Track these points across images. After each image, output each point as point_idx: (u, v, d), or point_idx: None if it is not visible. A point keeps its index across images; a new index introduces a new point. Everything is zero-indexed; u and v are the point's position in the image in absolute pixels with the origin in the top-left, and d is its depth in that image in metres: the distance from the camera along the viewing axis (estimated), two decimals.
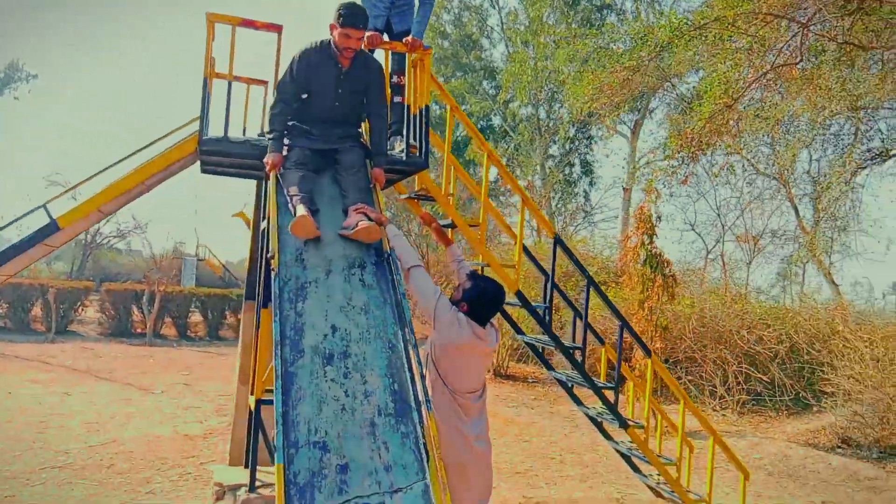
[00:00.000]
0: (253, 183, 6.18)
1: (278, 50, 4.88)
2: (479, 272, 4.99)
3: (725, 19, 8.38)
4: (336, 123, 4.30)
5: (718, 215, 19.04)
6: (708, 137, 9.13)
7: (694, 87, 22.09)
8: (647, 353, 5.82)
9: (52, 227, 4.67)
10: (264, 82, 6.20)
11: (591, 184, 30.26)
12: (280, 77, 4.33)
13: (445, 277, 17.91)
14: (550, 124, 29.41)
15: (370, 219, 3.85)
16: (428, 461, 3.05)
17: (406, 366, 3.42)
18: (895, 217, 40.38)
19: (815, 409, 10.85)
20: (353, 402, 3.22)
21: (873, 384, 9.40)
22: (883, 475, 8.13)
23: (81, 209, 4.77)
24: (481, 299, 3.63)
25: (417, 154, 5.07)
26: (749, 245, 17.93)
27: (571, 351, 5.63)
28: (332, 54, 4.13)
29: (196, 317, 20.47)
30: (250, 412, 5.72)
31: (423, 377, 3.36)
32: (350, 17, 3.97)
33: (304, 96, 4.23)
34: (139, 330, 19.15)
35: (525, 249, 5.85)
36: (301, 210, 3.77)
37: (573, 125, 28.04)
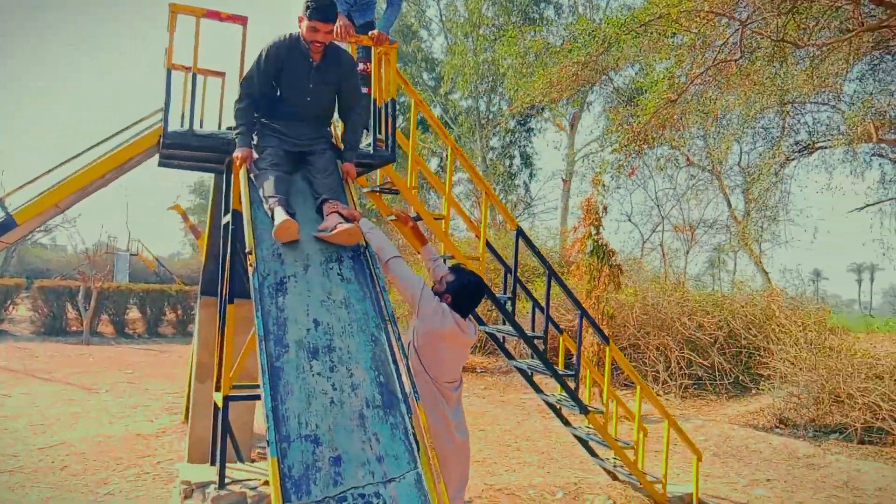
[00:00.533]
0: (184, 174, 6.07)
1: (243, 42, 4.83)
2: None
3: (669, 16, 8.64)
4: (307, 122, 4.23)
5: (657, 206, 19.59)
6: (653, 131, 9.42)
7: (631, 80, 22.72)
8: (605, 340, 5.99)
9: (9, 223, 4.53)
10: (222, 74, 6.11)
11: (531, 175, 30.66)
12: (247, 70, 4.25)
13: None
14: (490, 116, 29.68)
15: (346, 220, 3.85)
16: (419, 450, 3.11)
17: (390, 358, 3.46)
18: (819, 207, 42.24)
19: (753, 391, 11.33)
20: (340, 395, 3.25)
21: (808, 366, 9.88)
22: (819, 453, 8.57)
23: (39, 204, 4.64)
24: (464, 291, 3.69)
25: (384, 147, 5.10)
26: (686, 234, 18.50)
27: (533, 340, 5.75)
28: (302, 48, 4.06)
29: (134, 313, 19.95)
30: (216, 409, 5.66)
31: (406, 367, 3.40)
32: (318, 10, 3.89)
33: (277, 93, 4.17)
34: (74, 328, 18.57)
35: (486, 242, 5.96)
36: (280, 213, 3.72)
37: (513, 117, 28.36)
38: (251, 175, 4.04)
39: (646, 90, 22.55)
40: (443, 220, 5.61)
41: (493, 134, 30.21)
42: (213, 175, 6.39)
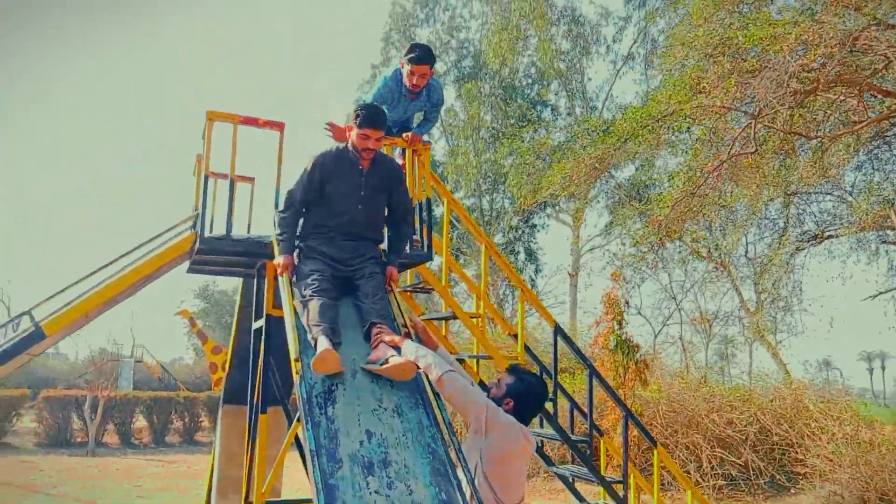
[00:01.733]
0: (189, 279, 5.90)
1: (280, 147, 4.83)
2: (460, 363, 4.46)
3: (682, 111, 8.80)
4: (358, 237, 4.07)
5: (673, 298, 19.44)
6: (673, 224, 9.44)
7: (631, 176, 23.10)
8: (653, 443, 5.72)
9: (37, 335, 4.37)
10: (251, 179, 6.10)
11: (536, 270, 30.69)
12: (294, 181, 4.15)
13: None
14: (494, 214, 30.04)
15: (397, 349, 3.60)
16: None
17: (450, 472, 3.24)
18: (834, 296, 42.13)
19: (791, 490, 10.84)
20: None
21: (848, 463, 9.48)
22: None
23: (67, 316, 4.50)
24: (529, 396, 3.40)
25: (420, 247, 5.02)
26: (704, 327, 18.28)
27: (577, 444, 5.49)
28: (350, 157, 4.01)
29: (140, 422, 19.43)
30: None
31: (472, 484, 3.15)
32: (369, 118, 3.88)
33: (325, 204, 4.06)
34: (79, 439, 18.03)
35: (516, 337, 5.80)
36: (323, 343, 3.52)
37: (517, 214, 28.69)
38: (295, 301, 3.85)
39: (647, 185, 22.97)
40: (478, 319, 5.46)
41: (498, 231, 30.48)
42: (229, 280, 6.29)
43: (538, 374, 5.61)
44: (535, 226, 30.49)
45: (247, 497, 5.33)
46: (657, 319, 24.49)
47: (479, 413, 3.22)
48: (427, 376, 3.48)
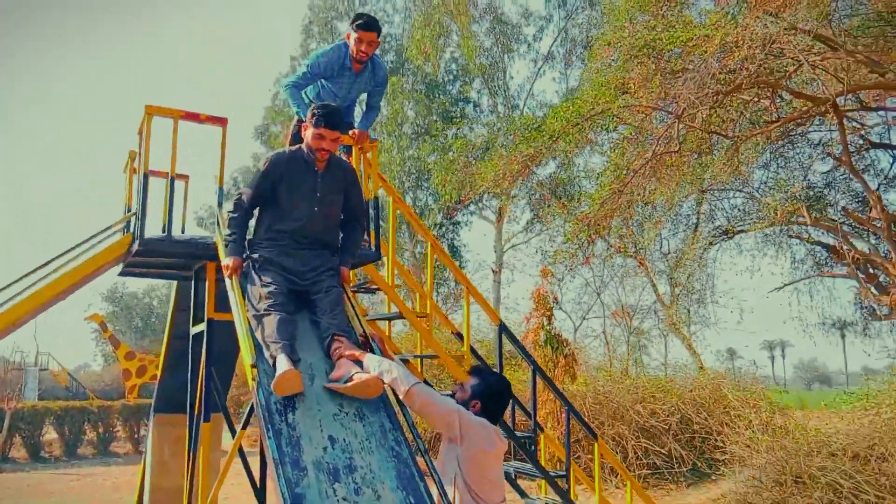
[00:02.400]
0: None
1: (223, 143, 4.67)
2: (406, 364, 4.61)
3: (610, 111, 9.02)
4: (313, 246, 3.93)
5: (597, 293, 19.94)
6: (602, 221, 9.68)
7: (551, 174, 23.55)
8: (594, 435, 5.84)
9: None
10: (185, 177, 5.87)
11: (460, 267, 30.89)
12: (246, 183, 4.11)
13: None
14: (417, 211, 30.06)
15: (360, 364, 3.51)
16: None
17: (416, 474, 3.20)
18: (742, 288, 44.32)
19: (712, 477, 11.28)
20: None
21: (765, 448, 9.94)
22: None
23: (1, 321, 4.21)
24: (494, 394, 3.39)
25: (367, 246, 4.95)
26: (626, 320, 18.83)
27: (522, 440, 5.55)
28: (305, 157, 3.90)
29: (50, 434, 18.44)
30: None
31: (443, 493, 3.10)
32: (325, 118, 3.79)
33: (279, 207, 3.92)
34: None
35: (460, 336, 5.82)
36: (283, 362, 3.36)
37: (440, 212, 28.79)
38: (249, 314, 3.68)
39: (566, 182, 23.43)
40: (426, 319, 5.43)
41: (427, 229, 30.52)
42: (139, 282, 6.06)
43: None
44: (458, 223, 30.67)
45: None
46: (577, 314, 25.08)
47: (452, 421, 3.16)
48: (393, 390, 3.39)
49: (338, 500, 2.98)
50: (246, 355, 3.52)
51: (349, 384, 3.38)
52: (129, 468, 16.37)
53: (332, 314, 3.72)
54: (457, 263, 30.32)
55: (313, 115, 3.81)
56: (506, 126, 23.30)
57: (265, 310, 3.61)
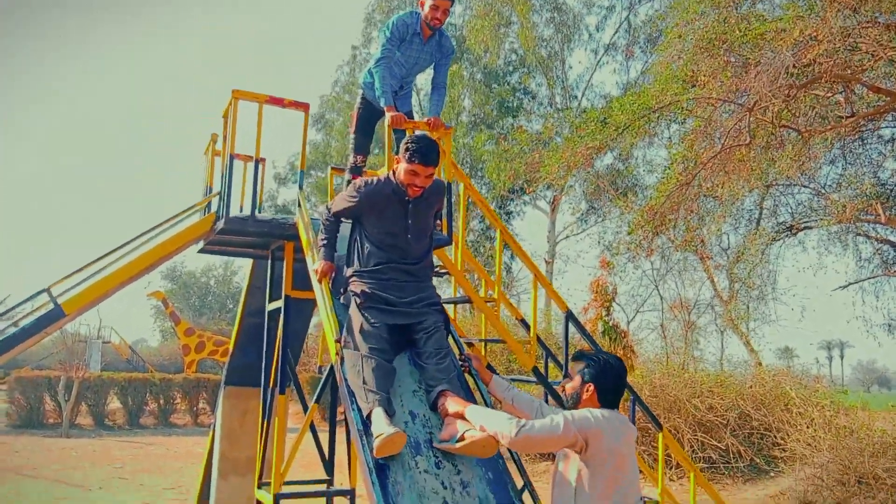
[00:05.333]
0: None
1: (305, 127, 4.81)
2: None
3: (678, 103, 8.91)
4: (413, 278, 3.69)
5: (656, 287, 19.75)
6: (668, 213, 9.59)
7: (609, 166, 23.29)
8: (659, 427, 5.84)
9: (57, 314, 4.30)
10: (263, 160, 6.04)
11: (511, 257, 30.88)
12: (337, 198, 3.89)
13: None
14: (469, 200, 30.07)
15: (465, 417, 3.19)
16: None
17: (496, 452, 3.28)
18: (803, 286, 43.13)
19: (770, 474, 11.13)
20: (452, 494, 3.04)
21: (828, 447, 9.76)
22: None
23: (87, 294, 4.43)
24: (609, 374, 3.01)
25: (439, 230, 5.03)
26: (684, 314, 18.60)
27: None
28: (395, 189, 3.63)
29: (114, 403, 19.20)
30: None
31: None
32: (420, 153, 3.49)
33: (369, 239, 3.71)
34: (51, 420, 17.77)
35: (525, 323, 5.87)
36: (381, 420, 3.08)
37: (493, 201, 28.77)
38: (343, 347, 3.51)
39: (624, 175, 23.15)
40: (493, 304, 5.50)
41: (475, 217, 30.57)
42: (198, 260, 6.26)
43: (531, 359, 5.66)
44: (511, 212, 30.62)
45: (260, 478, 5.34)
46: (630, 306, 24.85)
47: (569, 436, 2.82)
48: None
49: (419, 472, 3.08)
50: (329, 332, 3.65)
51: (461, 444, 3.09)
52: (189, 439, 16.94)
53: (438, 359, 3.48)
54: (508, 253, 30.32)
55: (407, 149, 3.53)
56: (562, 117, 23.15)
57: (366, 353, 3.36)
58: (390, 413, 3.19)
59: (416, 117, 5.50)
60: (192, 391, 20.07)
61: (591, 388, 3.00)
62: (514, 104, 28.40)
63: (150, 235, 4.83)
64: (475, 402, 3.37)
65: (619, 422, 2.93)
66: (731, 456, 11.63)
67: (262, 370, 5.34)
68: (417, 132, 3.78)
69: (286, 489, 4.81)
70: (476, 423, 3.08)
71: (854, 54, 9.40)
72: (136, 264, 4.61)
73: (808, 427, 10.57)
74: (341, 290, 3.83)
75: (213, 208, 5.15)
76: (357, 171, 5.47)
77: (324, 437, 5.67)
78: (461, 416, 3.19)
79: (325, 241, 3.88)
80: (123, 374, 20.02)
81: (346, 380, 3.38)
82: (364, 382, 3.26)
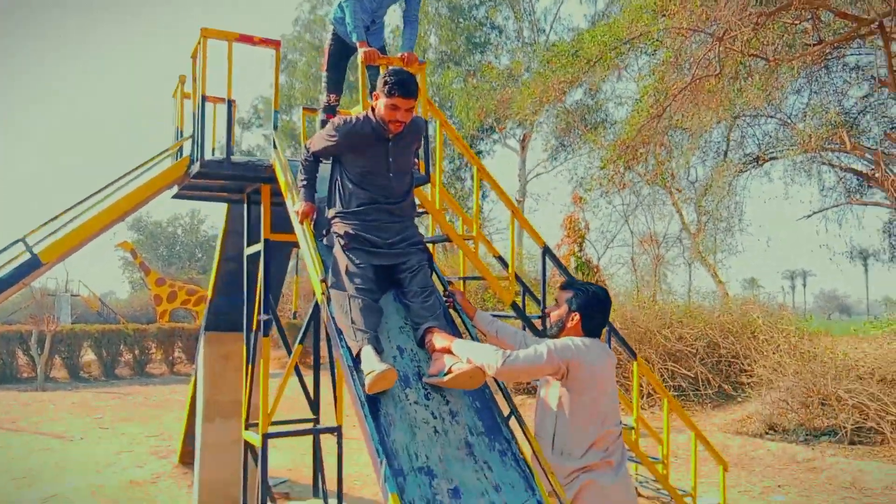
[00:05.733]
0: None
1: (277, 66, 4.71)
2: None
3: (650, 34, 8.86)
4: (398, 217, 3.67)
5: (626, 221, 19.96)
6: (639, 146, 9.62)
7: (577, 101, 23.19)
8: (633, 355, 5.99)
9: (34, 263, 4.24)
10: (233, 101, 5.92)
11: (482, 196, 30.91)
12: (315, 135, 3.82)
13: None
14: (435, 137, 29.85)
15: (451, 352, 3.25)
16: (533, 478, 3.01)
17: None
18: (767, 217, 43.83)
19: (737, 399, 11.53)
20: (442, 423, 3.12)
21: (792, 371, 10.12)
22: (817, 455, 8.75)
23: (64, 242, 4.37)
24: (594, 304, 3.11)
25: (416, 169, 5.01)
26: (654, 248, 18.88)
27: None
28: (375, 127, 3.55)
29: (89, 356, 19.10)
30: (248, 448, 5.44)
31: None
32: (400, 86, 3.41)
33: (351, 178, 3.65)
34: (25, 374, 17.68)
35: (501, 260, 5.95)
36: (371, 357, 3.10)
37: (464, 139, 28.59)
38: (329, 288, 3.49)
39: (593, 110, 23.09)
40: (472, 241, 5.54)
41: (444, 157, 30.40)
42: (164, 210, 6.19)
43: (510, 294, 5.74)
44: (481, 152, 30.50)
45: (247, 419, 5.40)
46: (601, 242, 25.16)
47: (552, 363, 2.93)
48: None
49: (409, 404, 3.15)
50: (313, 272, 3.66)
51: (449, 377, 3.13)
52: (166, 388, 16.99)
53: (424, 297, 3.49)
54: (480, 192, 30.32)
55: (386, 83, 3.44)
56: (532, 51, 22.88)
57: (353, 293, 3.36)
58: (379, 350, 3.21)
59: (389, 53, 5.42)
60: (167, 341, 20.04)
61: (577, 316, 3.11)
62: (482, 39, 27.99)
63: (124, 182, 4.75)
64: (461, 337, 3.44)
65: (599, 349, 3.04)
66: (700, 383, 12.01)
67: (244, 314, 5.35)
68: (394, 67, 3.67)
69: (273, 429, 4.88)
70: (462, 356, 3.13)
71: None
72: (110, 211, 4.54)
73: (773, 353, 10.93)
74: (324, 232, 3.81)
75: (186, 152, 5.06)
76: (331, 110, 5.39)
77: (307, 380, 5.75)
78: (448, 351, 3.24)
79: (304, 182, 3.81)
80: (96, 326, 19.86)
81: (332, 319, 3.41)
82: (352, 322, 3.27)
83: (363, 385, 3.06)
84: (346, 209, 3.64)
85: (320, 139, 3.72)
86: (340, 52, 5.42)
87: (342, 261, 3.50)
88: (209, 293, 6.71)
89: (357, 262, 3.47)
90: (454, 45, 27.48)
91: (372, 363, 3.08)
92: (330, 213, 3.73)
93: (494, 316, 3.91)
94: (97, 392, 16.17)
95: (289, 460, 8.74)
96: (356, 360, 3.20)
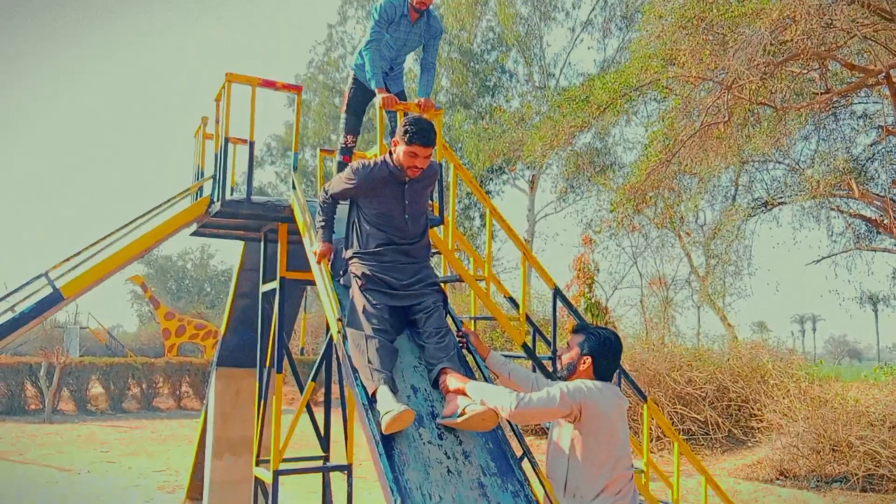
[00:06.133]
0: None
1: (298, 109, 4.85)
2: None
3: (659, 81, 9.04)
4: (412, 259, 3.75)
5: (635, 263, 20.03)
6: (648, 190, 9.75)
7: (586, 145, 23.45)
8: (643, 398, 6.01)
9: (56, 298, 4.34)
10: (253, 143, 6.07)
11: (491, 236, 31.05)
12: (334, 178, 3.92)
13: None
14: (449, 179, 30.13)
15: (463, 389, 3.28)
16: None
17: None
18: (777, 261, 44.00)
19: (747, 444, 11.44)
20: (455, 463, 3.17)
21: (803, 417, 10.06)
22: (830, 502, 8.67)
23: (86, 278, 4.47)
24: (606, 349, 3.14)
25: (431, 210, 5.13)
26: (662, 290, 18.90)
27: None
28: (392, 171, 3.65)
29: (96, 389, 19.13)
30: (257, 484, 5.47)
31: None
32: (419, 135, 3.51)
33: (367, 221, 3.74)
34: (33, 406, 17.70)
35: (512, 301, 6.01)
36: (388, 398, 3.14)
37: (475, 179, 28.81)
38: (346, 327, 3.57)
39: (602, 153, 23.32)
40: (484, 282, 5.62)
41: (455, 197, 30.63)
42: (174, 245, 6.30)
43: (521, 335, 5.79)
44: (490, 192, 30.74)
45: (258, 456, 5.43)
46: (608, 283, 25.18)
47: (565, 407, 2.95)
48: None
49: (423, 443, 3.20)
50: (329, 311, 3.74)
51: (462, 418, 3.17)
52: (173, 422, 16.97)
53: (438, 338, 3.54)
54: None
55: (406, 131, 3.53)
56: (542, 95, 23.22)
57: (370, 334, 3.42)
58: (394, 390, 3.26)
59: (407, 98, 5.58)
60: (175, 375, 20.05)
61: (589, 360, 3.13)
62: (492, 83, 28.43)
63: (145, 219, 4.87)
64: (474, 378, 3.49)
65: (612, 392, 3.07)
66: (710, 427, 11.94)
67: (258, 350, 5.42)
68: (413, 114, 3.79)
69: (283, 466, 4.91)
70: (476, 397, 3.17)
71: (829, 31, 9.59)
72: (131, 248, 4.65)
73: (783, 398, 10.87)
74: (340, 273, 3.91)
75: (206, 192, 5.19)
76: (347, 151, 5.51)
77: (318, 417, 5.79)
78: (462, 392, 3.28)
79: (323, 223, 3.93)
80: (105, 358, 19.93)
81: (349, 357, 3.48)
82: (369, 362, 3.33)
83: (379, 424, 3.12)
84: (364, 250, 3.72)
85: (339, 182, 3.82)
86: (360, 97, 5.57)
87: (359, 301, 3.57)
88: (222, 329, 6.78)
89: (374, 302, 3.54)
90: (465, 88, 27.90)
91: (389, 403, 3.11)
92: (347, 253, 3.82)
93: (506, 356, 3.96)
94: (104, 425, 16.17)
95: (297, 499, 8.71)
96: (371, 400, 3.26)
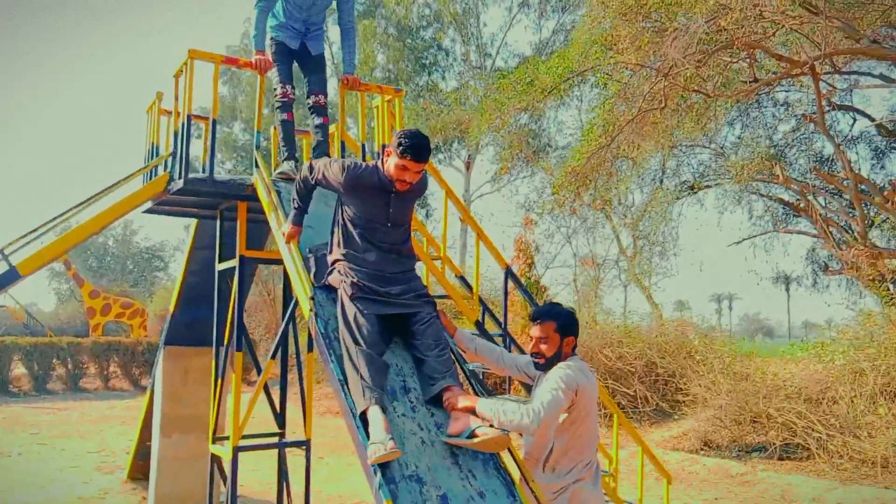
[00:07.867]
0: None
1: (261, 89, 4.85)
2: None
3: (600, 68, 9.33)
4: (400, 267, 3.72)
5: (569, 243, 20.53)
6: (588, 174, 10.07)
7: (522, 126, 23.81)
8: None
9: (12, 275, 4.27)
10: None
11: (427, 215, 31.19)
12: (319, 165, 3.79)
13: None
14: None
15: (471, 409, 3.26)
16: (514, 485, 3.23)
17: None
18: (701, 241, 45.88)
19: (674, 416, 12.03)
20: (429, 434, 3.32)
21: (726, 390, 10.66)
22: (749, 470, 9.25)
23: (43, 255, 4.40)
24: (576, 323, 3.30)
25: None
26: (595, 269, 19.47)
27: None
28: (382, 179, 3.59)
29: (18, 369, 18.45)
30: (214, 461, 5.51)
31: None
32: (413, 149, 3.43)
33: (351, 223, 3.69)
34: None
35: (463, 280, 6.21)
36: (380, 426, 3.09)
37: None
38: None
39: (537, 135, 23.73)
40: (441, 261, 5.76)
41: None
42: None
43: (478, 315, 5.98)
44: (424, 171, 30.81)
45: (214, 433, 5.46)
46: (541, 263, 25.76)
47: (569, 398, 3.08)
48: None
49: (398, 416, 3.34)
50: (299, 289, 3.82)
51: (476, 441, 3.17)
52: (102, 403, 16.59)
53: (439, 351, 3.52)
54: (423, 211, 30.56)
55: (399, 144, 3.46)
56: (478, 75, 23.39)
57: (362, 349, 3.37)
58: (385, 409, 3.22)
59: (329, 68, 5.55)
60: (103, 355, 19.51)
61: (572, 340, 3.30)
62: (429, 61, 28.41)
63: (101, 196, 4.81)
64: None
65: (588, 372, 3.26)
66: (639, 401, 12.49)
67: (215, 328, 5.43)
68: (410, 128, 3.74)
69: (242, 443, 4.98)
70: (490, 417, 3.16)
71: (759, 22, 10.07)
72: (88, 225, 4.59)
73: (708, 373, 11.47)
74: (327, 274, 3.80)
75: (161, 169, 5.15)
76: (288, 107, 5.10)
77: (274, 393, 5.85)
78: (471, 410, 3.28)
79: (297, 206, 3.93)
80: (27, 338, 19.20)
81: (321, 336, 3.58)
82: (362, 378, 3.29)
83: (367, 449, 3.04)
84: (350, 251, 3.68)
85: (327, 171, 3.73)
86: (283, 49, 5.07)
87: (350, 310, 3.50)
88: (171, 307, 6.73)
89: (365, 311, 3.47)
90: (401, 65, 27.80)
91: (380, 434, 3.05)
92: (331, 256, 3.78)
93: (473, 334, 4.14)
94: (29, 407, 15.65)
95: (250, 475, 8.71)
96: (362, 417, 3.21)
